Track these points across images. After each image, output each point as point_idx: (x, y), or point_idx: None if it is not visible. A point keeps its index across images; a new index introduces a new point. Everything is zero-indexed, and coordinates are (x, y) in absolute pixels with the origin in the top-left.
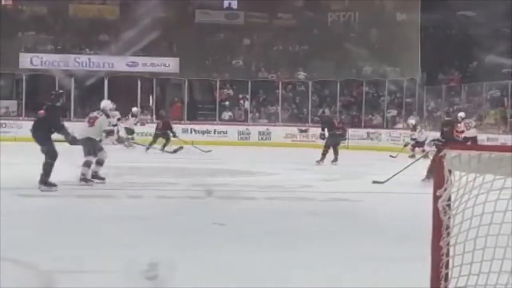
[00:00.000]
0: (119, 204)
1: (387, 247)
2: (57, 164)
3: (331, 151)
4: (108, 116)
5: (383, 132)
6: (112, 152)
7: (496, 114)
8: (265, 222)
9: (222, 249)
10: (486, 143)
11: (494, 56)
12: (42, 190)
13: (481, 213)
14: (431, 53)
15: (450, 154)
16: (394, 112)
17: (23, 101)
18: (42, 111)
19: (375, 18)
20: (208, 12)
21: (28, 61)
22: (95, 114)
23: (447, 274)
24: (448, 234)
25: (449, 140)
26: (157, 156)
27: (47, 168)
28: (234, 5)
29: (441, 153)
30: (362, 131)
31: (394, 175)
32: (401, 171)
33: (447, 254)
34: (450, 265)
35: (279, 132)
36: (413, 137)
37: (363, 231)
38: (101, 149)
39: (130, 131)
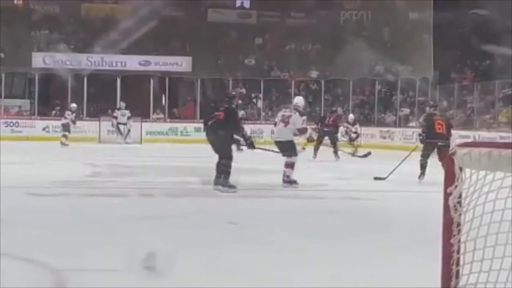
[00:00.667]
0: (132, 203)
1: (399, 245)
2: (64, 163)
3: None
4: (301, 114)
5: (396, 131)
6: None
7: (508, 113)
8: (278, 221)
9: (235, 248)
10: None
11: (507, 54)
12: (221, 191)
13: (492, 211)
14: (444, 52)
15: (461, 151)
16: (406, 110)
17: (36, 101)
18: (221, 113)
19: (387, 17)
20: (221, 11)
21: (41, 60)
22: (287, 112)
23: (458, 271)
24: (459, 231)
25: (428, 134)
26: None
27: (226, 170)
28: (247, 4)
29: (452, 150)
30: (375, 130)
31: (394, 170)
32: (398, 165)
33: (458, 251)
34: (461, 262)
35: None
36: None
37: (375, 230)
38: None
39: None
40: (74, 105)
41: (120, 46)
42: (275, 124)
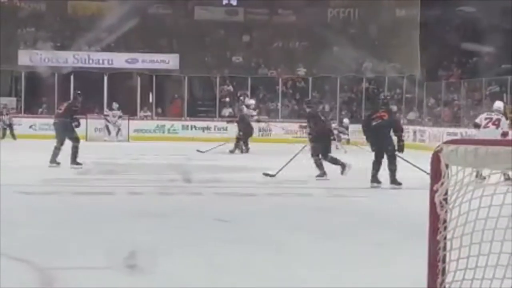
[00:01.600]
0: (120, 200)
1: (390, 243)
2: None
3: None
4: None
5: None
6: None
7: None
8: (265, 218)
9: (224, 246)
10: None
11: (494, 51)
12: (373, 187)
13: (478, 207)
14: (431, 49)
15: (447, 148)
16: (394, 108)
17: (22, 98)
18: (384, 114)
19: (374, 15)
20: (208, 9)
21: (27, 58)
22: (493, 115)
23: (444, 268)
24: (445, 228)
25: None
26: (157, 152)
27: (393, 168)
28: (234, 1)
29: (438, 147)
30: None
31: (283, 167)
32: (289, 161)
33: (444, 248)
34: (447, 259)
35: (279, 128)
36: None
37: (365, 227)
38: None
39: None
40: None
41: (106, 44)
42: (475, 126)
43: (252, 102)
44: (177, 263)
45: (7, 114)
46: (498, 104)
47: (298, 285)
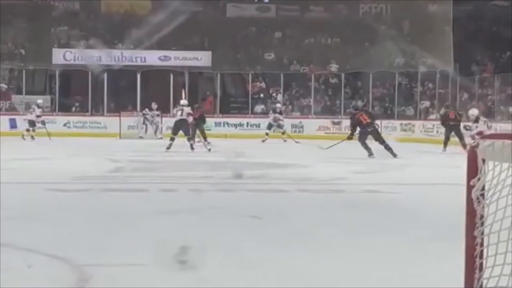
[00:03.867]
0: (152, 198)
1: (423, 239)
2: (86, 158)
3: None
4: None
5: (417, 124)
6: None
7: None
8: (297, 215)
9: (256, 242)
10: None
11: None
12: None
13: None
14: (464, 44)
15: (484, 143)
16: (427, 103)
17: (57, 97)
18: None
19: (407, 10)
20: (240, 6)
21: (61, 56)
22: None
23: (481, 264)
24: (482, 223)
25: None
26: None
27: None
28: None
29: (474, 142)
30: (396, 123)
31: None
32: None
33: (482, 244)
34: (485, 255)
35: (312, 124)
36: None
37: (400, 223)
38: None
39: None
40: (40, 100)
41: (142, 43)
42: None
43: (278, 105)
44: (211, 261)
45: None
46: None
47: (332, 282)
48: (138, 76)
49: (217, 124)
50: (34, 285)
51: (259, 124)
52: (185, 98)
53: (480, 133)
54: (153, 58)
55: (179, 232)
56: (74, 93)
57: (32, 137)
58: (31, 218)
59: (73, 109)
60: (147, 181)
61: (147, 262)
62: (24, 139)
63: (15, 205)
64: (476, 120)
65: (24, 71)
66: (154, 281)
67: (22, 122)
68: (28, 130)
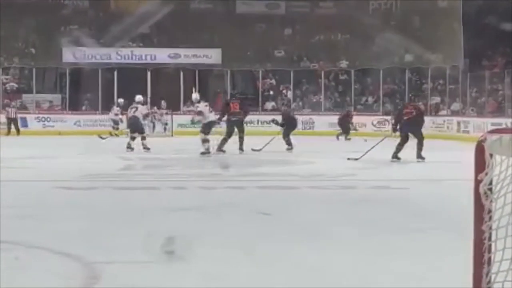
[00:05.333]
0: (163, 195)
1: (433, 234)
2: (96, 156)
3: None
4: None
5: (427, 119)
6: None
7: None
8: (307, 211)
9: (266, 239)
10: None
11: None
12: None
13: None
14: (474, 39)
15: (491, 137)
16: (437, 99)
17: (67, 95)
18: (413, 110)
19: (416, 5)
20: (249, 3)
21: (71, 55)
22: None
23: (489, 258)
24: (490, 218)
25: None
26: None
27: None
28: None
29: (482, 137)
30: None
31: (367, 152)
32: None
33: (490, 238)
34: (493, 249)
35: (322, 121)
36: None
37: (409, 219)
38: None
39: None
40: (121, 99)
41: (149, 39)
42: None
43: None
44: (219, 256)
45: (13, 107)
46: None
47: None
48: (148, 74)
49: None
50: (45, 284)
51: (269, 121)
52: (195, 94)
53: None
54: (163, 56)
55: (188, 230)
56: (84, 92)
57: (116, 134)
58: (39, 216)
59: (83, 107)
60: (156, 178)
61: (156, 260)
62: (111, 135)
63: (25, 203)
64: None
65: (34, 70)
66: (162, 278)
67: (32, 121)
68: (115, 128)
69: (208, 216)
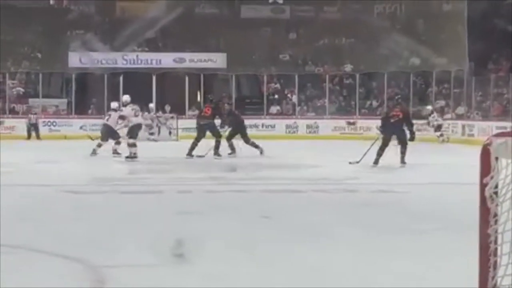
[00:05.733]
0: (168, 198)
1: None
2: (102, 161)
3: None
4: None
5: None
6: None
7: None
8: (312, 215)
9: (270, 242)
10: None
11: None
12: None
13: None
14: (479, 43)
15: (497, 141)
16: (442, 102)
17: (73, 100)
18: (400, 113)
19: (421, 9)
20: (254, 7)
21: (77, 59)
22: None
23: (495, 262)
24: (496, 221)
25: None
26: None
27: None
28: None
29: (487, 140)
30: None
31: (364, 154)
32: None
33: (495, 242)
34: (499, 253)
35: (327, 125)
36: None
37: (411, 222)
38: None
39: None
40: (152, 105)
41: (154, 44)
42: None
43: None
44: (224, 260)
45: (35, 114)
46: None
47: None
48: (154, 78)
49: None
50: (52, 286)
51: (274, 125)
52: (126, 96)
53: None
54: (168, 60)
55: (193, 232)
56: (90, 96)
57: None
58: (46, 220)
59: (89, 111)
60: (161, 182)
61: (163, 263)
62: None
63: (32, 207)
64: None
65: (40, 75)
66: (170, 280)
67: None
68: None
69: (210, 219)
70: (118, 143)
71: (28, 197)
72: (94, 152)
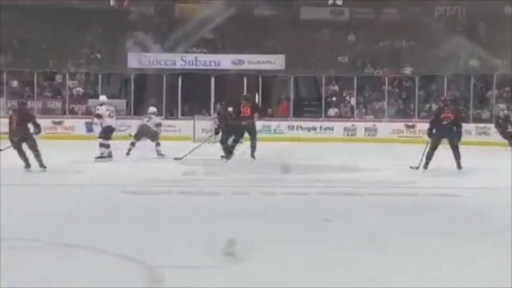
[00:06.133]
0: (224, 200)
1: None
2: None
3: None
4: None
5: (492, 127)
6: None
7: None
8: (371, 218)
9: (329, 244)
10: None
11: None
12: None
13: None
14: None
15: None
16: (503, 106)
17: (132, 101)
18: (451, 115)
19: (482, 12)
20: (313, 9)
21: (136, 60)
22: None
23: None
24: None
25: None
26: (260, 152)
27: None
28: (339, 1)
29: None
30: (470, 126)
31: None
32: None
33: None
34: None
35: (385, 128)
36: None
37: (471, 226)
38: None
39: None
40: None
41: (213, 46)
42: None
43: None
44: (281, 262)
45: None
46: None
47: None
48: (212, 80)
49: (291, 128)
50: (108, 286)
51: (332, 127)
52: (102, 97)
53: None
54: (227, 62)
55: (250, 235)
56: (148, 97)
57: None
58: (107, 220)
59: None
60: (217, 184)
61: (221, 264)
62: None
63: (91, 207)
64: None
65: (100, 75)
66: (226, 282)
67: (97, 126)
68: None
69: (269, 220)
70: (158, 144)
71: (89, 197)
72: (128, 152)
